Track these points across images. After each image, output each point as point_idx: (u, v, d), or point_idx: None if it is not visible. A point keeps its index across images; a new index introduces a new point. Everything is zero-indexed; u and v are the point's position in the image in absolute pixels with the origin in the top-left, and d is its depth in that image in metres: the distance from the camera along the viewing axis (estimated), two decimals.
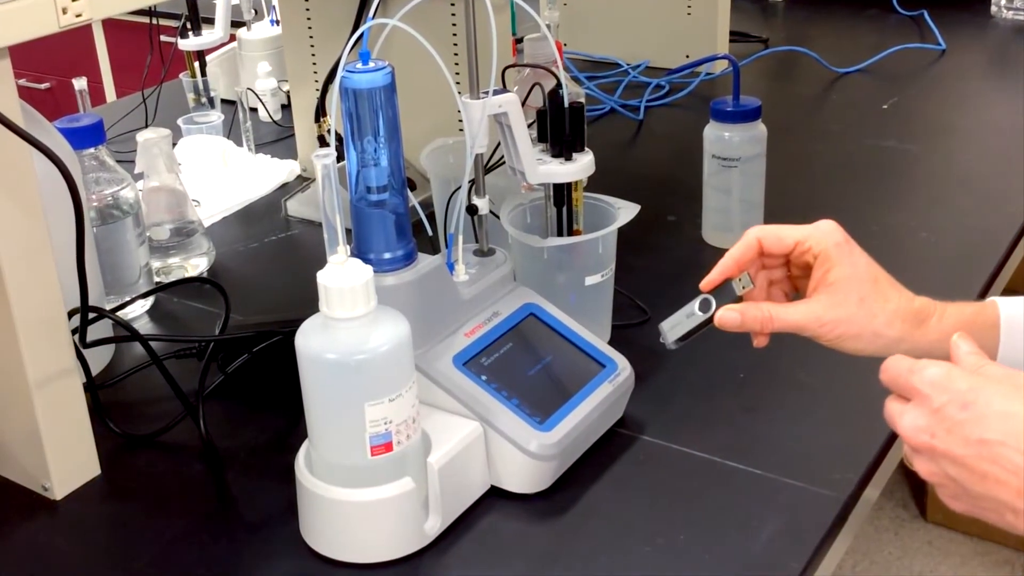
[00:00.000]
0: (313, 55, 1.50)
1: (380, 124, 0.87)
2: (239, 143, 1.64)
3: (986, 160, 1.58)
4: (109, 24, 2.93)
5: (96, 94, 2.95)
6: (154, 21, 1.83)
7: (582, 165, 1.04)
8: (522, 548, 0.89)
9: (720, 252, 0.89)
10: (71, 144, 1.05)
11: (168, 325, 1.24)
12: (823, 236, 0.84)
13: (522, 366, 0.96)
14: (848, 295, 0.83)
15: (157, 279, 1.29)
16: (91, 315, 0.98)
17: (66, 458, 0.96)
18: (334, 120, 0.87)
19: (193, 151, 1.57)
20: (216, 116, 1.66)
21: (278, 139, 1.73)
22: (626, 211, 1.08)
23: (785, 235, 0.86)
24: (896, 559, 2.25)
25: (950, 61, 1.97)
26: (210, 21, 1.67)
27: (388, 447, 0.84)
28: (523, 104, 1.00)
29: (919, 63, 1.95)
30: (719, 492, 0.94)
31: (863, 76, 1.91)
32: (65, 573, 0.90)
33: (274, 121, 1.79)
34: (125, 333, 1.05)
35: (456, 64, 1.32)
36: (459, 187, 0.95)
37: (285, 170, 1.59)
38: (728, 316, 0.86)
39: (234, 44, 1.86)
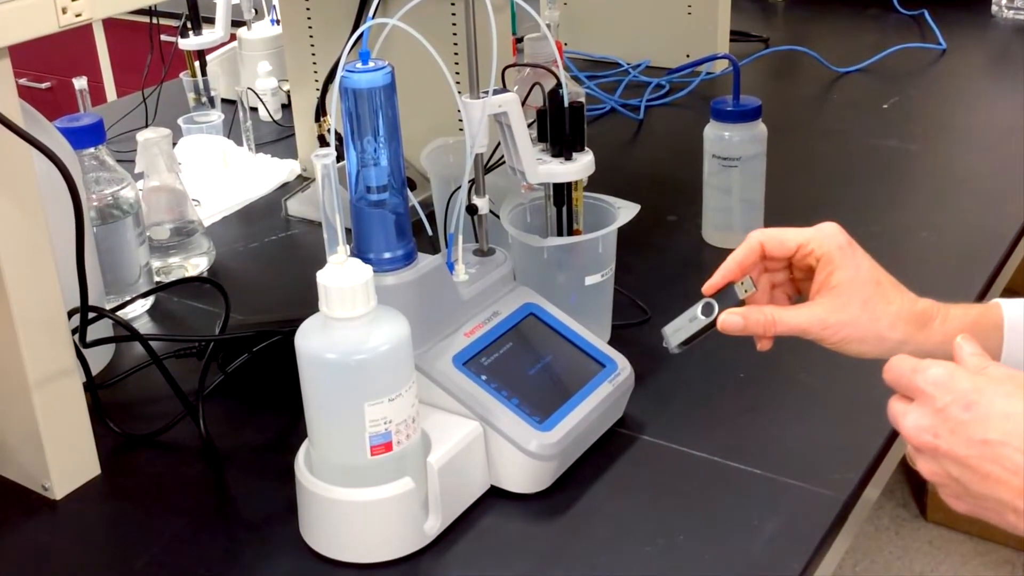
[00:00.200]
0: (313, 55, 1.50)
1: (380, 124, 0.87)
2: (239, 143, 1.63)
3: (986, 160, 1.58)
4: (109, 24, 2.93)
5: (96, 94, 2.95)
6: (154, 21, 1.82)
7: (582, 165, 1.04)
8: (522, 548, 0.89)
9: (720, 252, 0.89)
10: (71, 144, 1.05)
11: (168, 325, 1.24)
12: (825, 239, 0.84)
13: (522, 366, 0.96)
14: (851, 298, 0.82)
15: (157, 279, 1.29)
16: (91, 315, 0.98)
17: (66, 458, 0.96)
18: (334, 120, 0.87)
19: (193, 151, 1.57)
20: (216, 116, 1.66)
21: (278, 139, 1.73)
22: (626, 211, 1.07)
23: (787, 238, 0.86)
24: (896, 559, 2.25)
25: (950, 61, 1.97)
26: (210, 20, 1.67)
27: (388, 447, 0.84)
28: (523, 104, 1.00)
29: (919, 63, 1.95)
30: (719, 492, 0.94)
31: (863, 76, 1.90)
32: (65, 573, 0.89)
33: (274, 121, 1.78)
34: (125, 333, 1.05)
35: (456, 64, 1.31)
36: (459, 187, 0.95)
37: (285, 170, 1.59)
38: (731, 320, 0.85)
39: (234, 44, 1.86)
